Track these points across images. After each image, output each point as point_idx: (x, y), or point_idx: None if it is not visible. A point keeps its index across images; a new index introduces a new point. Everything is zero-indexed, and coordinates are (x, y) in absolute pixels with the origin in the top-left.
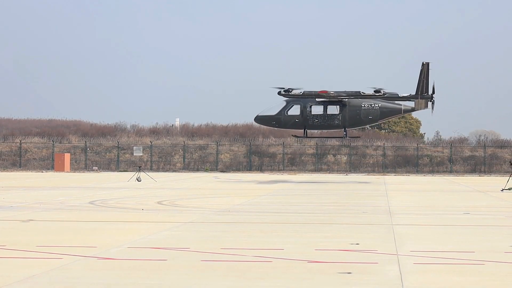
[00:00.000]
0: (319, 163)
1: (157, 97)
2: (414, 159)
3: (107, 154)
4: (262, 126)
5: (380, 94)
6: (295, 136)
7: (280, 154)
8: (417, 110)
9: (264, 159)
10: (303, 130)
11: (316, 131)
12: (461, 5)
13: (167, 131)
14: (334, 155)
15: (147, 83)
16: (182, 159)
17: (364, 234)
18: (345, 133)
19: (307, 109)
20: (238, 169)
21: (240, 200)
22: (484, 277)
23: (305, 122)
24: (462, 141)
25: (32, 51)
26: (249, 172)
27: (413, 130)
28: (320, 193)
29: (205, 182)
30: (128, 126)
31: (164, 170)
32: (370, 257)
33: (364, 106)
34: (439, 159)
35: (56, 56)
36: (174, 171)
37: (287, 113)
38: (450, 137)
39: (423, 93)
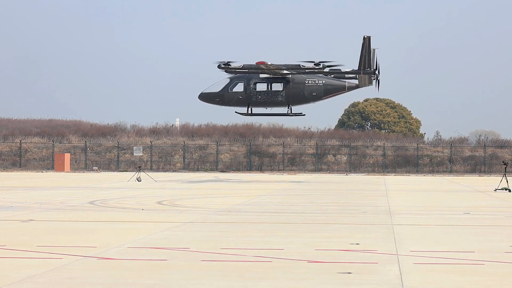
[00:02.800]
0: (319, 163)
1: (157, 97)
2: (414, 159)
3: (107, 154)
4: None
5: (320, 67)
6: (238, 113)
7: (280, 154)
8: (362, 86)
9: (264, 159)
10: (246, 107)
11: (260, 108)
12: (461, 5)
13: (167, 131)
14: (334, 155)
15: (147, 83)
16: (182, 159)
17: (364, 234)
18: (288, 110)
19: (251, 86)
20: (238, 169)
21: (240, 200)
22: (484, 277)
23: (249, 99)
24: (462, 141)
25: (32, 51)
26: (249, 172)
27: (413, 130)
28: (320, 193)
29: (205, 182)
30: (128, 126)
31: (164, 170)
32: (370, 257)
33: (308, 83)
34: (439, 159)
35: (56, 56)
36: (174, 171)
37: (230, 90)
38: (450, 137)
39: (366, 69)
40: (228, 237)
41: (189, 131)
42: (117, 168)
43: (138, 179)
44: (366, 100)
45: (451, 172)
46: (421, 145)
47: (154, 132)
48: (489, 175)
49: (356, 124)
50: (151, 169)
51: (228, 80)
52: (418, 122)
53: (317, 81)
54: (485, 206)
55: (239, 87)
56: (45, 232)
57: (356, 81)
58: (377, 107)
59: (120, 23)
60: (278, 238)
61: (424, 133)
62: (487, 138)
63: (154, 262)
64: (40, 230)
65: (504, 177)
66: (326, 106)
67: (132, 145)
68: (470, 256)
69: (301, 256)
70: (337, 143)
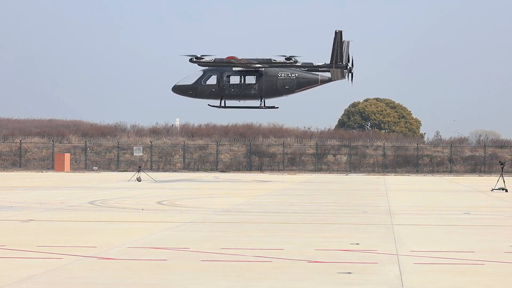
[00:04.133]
0: (319, 163)
1: (157, 97)
2: (414, 159)
3: (107, 154)
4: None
5: (291, 61)
6: (211, 105)
7: (280, 154)
8: (334, 80)
9: (264, 159)
10: (219, 100)
11: (232, 101)
12: (461, 5)
13: (167, 131)
14: (334, 155)
15: (147, 83)
16: (182, 159)
17: (364, 234)
18: (261, 103)
19: (224, 78)
20: (238, 169)
21: (240, 200)
22: (484, 277)
23: (222, 91)
24: (462, 141)
25: (32, 51)
26: (249, 172)
27: (413, 130)
28: (320, 193)
29: (205, 182)
30: (128, 126)
31: (164, 170)
32: (370, 257)
33: (281, 76)
34: (439, 159)
35: (56, 56)
36: (174, 171)
37: (204, 83)
38: (450, 137)
39: (338, 63)
40: (228, 237)
41: (189, 131)
42: (117, 168)
43: (138, 179)
44: (366, 100)
45: (451, 172)
46: (421, 145)
47: (154, 132)
48: (489, 175)
49: (356, 124)
50: (151, 169)
51: (202, 73)
52: (418, 122)
53: (290, 74)
54: (485, 206)
55: (212, 80)
56: (45, 232)
57: (329, 75)
58: (377, 107)
59: (120, 23)
60: (278, 238)
61: (424, 133)
62: (487, 138)
63: (154, 262)
64: (40, 230)
65: (501, 177)
66: (326, 106)
67: (132, 145)
68: (470, 256)
69: (301, 256)
70: (337, 143)
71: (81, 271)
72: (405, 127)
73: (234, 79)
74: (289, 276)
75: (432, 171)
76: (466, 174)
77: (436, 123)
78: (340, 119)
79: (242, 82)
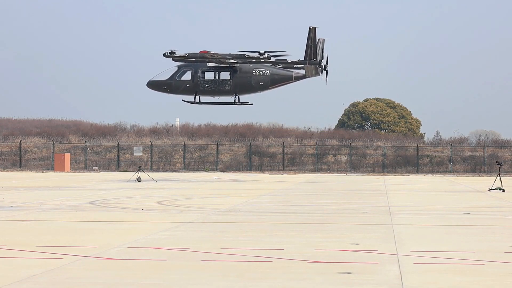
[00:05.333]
0: (319, 163)
1: (157, 97)
2: (414, 159)
3: (107, 154)
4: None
5: (265, 57)
6: (186, 101)
7: (280, 154)
8: (308, 77)
9: (264, 159)
10: (193, 96)
11: (207, 97)
12: (461, 5)
13: (167, 131)
14: (334, 155)
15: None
16: (182, 159)
17: (364, 234)
18: (235, 99)
19: (198, 74)
20: (238, 169)
21: (240, 200)
22: (484, 277)
23: (196, 87)
24: (462, 141)
25: (32, 51)
26: (249, 172)
27: (413, 130)
28: (320, 193)
29: (205, 182)
30: (128, 126)
31: (164, 170)
32: (370, 257)
33: (255, 72)
34: (439, 159)
35: (56, 56)
36: (174, 171)
37: (178, 79)
38: (450, 137)
39: (312, 59)
40: (228, 237)
41: (189, 131)
42: (117, 168)
43: (138, 179)
44: (366, 100)
45: (451, 172)
46: (421, 145)
47: (154, 132)
48: (489, 175)
49: (356, 124)
50: (151, 169)
51: (176, 69)
52: (418, 122)
53: (264, 71)
54: (485, 206)
55: (187, 76)
56: (45, 232)
57: (303, 71)
58: (377, 107)
59: (121, 22)
60: (278, 238)
61: (424, 133)
62: (487, 138)
63: (154, 262)
64: (40, 230)
65: (498, 177)
66: (326, 106)
67: (132, 145)
68: (470, 256)
69: (301, 256)
70: (337, 143)
71: (81, 271)
72: (405, 127)
73: (209, 75)
74: (289, 276)
75: (432, 171)
76: (466, 174)
77: (436, 123)
78: (340, 119)
79: (217, 78)
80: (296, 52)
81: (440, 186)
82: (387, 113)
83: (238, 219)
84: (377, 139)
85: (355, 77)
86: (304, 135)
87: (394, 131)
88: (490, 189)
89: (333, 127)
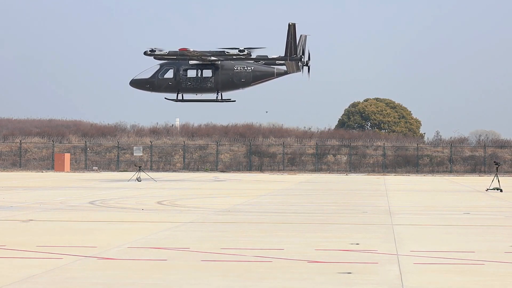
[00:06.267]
0: (319, 163)
1: (157, 97)
2: (414, 159)
3: (107, 154)
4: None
5: (245, 54)
6: (168, 99)
7: (280, 154)
8: (290, 73)
9: (264, 159)
10: (176, 94)
11: (189, 94)
12: (461, 6)
13: (167, 131)
14: (334, 155)
15: None
16: (182, 159)
17: (364, 234)
18: (217, 96)
19: (180, 72)
20: (238, 169)
21: (240, 200)
22: (484, 277)
23: (178, 85)
24: (462, 141)
25: (33, 51)
26: (249, 172)
27: (413, 130)
28: (320, 193)
29: (205, 182)
30: (128, 126)
31: (164, 170)
32: (370, 257)
33: (237, 69)
34: (439, 159)
35: (56, 56)
36: (174, 171)
37: (161, 77)
38: (450, 137)
39: (292, 55)
40: (228, 237)
41: (189, 131)
42: (117, 168)
43: (138, 179)
44: (366, 100)
45: (451, 172)
46: (421, 145)
47: (154, 132)
48: (489, 175)
49: (356, 124)
50: (151, 169)
51: (159, 67)
52: (418, 122)
53: (245, 68)
54: (485, 206)
55: (169, 74)
56: (45, 232)
57: (284, 68)
58: (377, 107)
59: (121, 22)
60: (278, 238)
61: (424, 133)
62: (487, 138)
63: (154, 262)
64: (40, 230)
65: (495, 177)
66: (326, 106)
67: (132, 145)
68: (470, 256)
69: (301, 256)
70: (337, 143)
71: (81, 271)
72: (405, 127)
73: (191, 73)
74: (289, 276)
75: (432, 171)
76: (466, 174)
77: (436, 123)
78: (340, 119)
79: (199, 75)
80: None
81: (440, 186)
82: (387, 113)
83: (238, 219)
84: (377, 139)
85: (355, 77)
86: (304, 135)
87: (394, 131)
88: (487, 189)
89: (333, 127)
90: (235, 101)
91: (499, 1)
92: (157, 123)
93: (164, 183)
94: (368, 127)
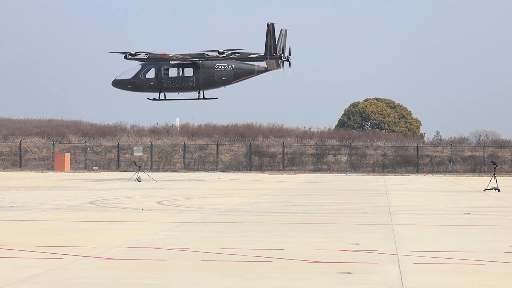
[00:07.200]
0: (319, 163)
1: None
2: (414, 159)
3: (107, 154)
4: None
5: (224, 55)
6: (150, 99)
7: (280, 154)
8: (270, 70)
9: (264, 159)
10: (158, 93)
11: (171, 93)
12: (461, 6)
13: (167, 131)
14: (334, 155)
15: None
16: (182, 159)
17: (364, 234)
18: (199, 95)
19: (162, 72)
20: (238, 169)
21: (240, 200)
22: (484, 277)
23: (160, 85)
24: (462, 141)
25: (32, 51)
26: (249, 172)
27: (413, 130)
28: (320, 193)
29: (205, 182)
30: (128, 126)
31: (164, 170)
32: (370, 257)
33: (218, 67)
34: (439, 159)
35: (56, 56)
36: (174, 171)
37: (142, 77)
38: (450, 137)
39: (272, 54)
40: (228, 237)
41: (189, 131)
42: (117, 168)
43: (138, 179)
44: (366, 100)
45: (451, 172)
46: (421, 145)
47: (154, 132)
48: (489, 175)
49: (356, 124)
50: (151, 169)
51: (140, 67)
52: (418, 122)
53: (226, 66)
54: (485, 206)
55: (151, 74)
56: (45, 232)
57: (265, 65)
58: (377, 107)
59: (120, 22)
60: (278, 238)
61: (424, 133)
62: (487, 138)
63: (154, 262)
64: (40, 230)
65: (493, 177)
66: (326, 106)
67: (132, 145)
68: (470, 256)
69: (301, 256)
70: (337, 143)
71: (81, 271)
72: (405, 127)
73: (173, 72)
74: (289, 276)
75: (432, 171)
76: (466, 174)
77: (436, 123)
78: (340, 119)
79: (180, 74)
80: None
81: (440, 186)
82: (387, 113)
83: (238, 219)
84: (377, 139)
85: (355, 77)
86: (304, 135)
87: (394, 131)
88: (485, 189)
89: (333, 127)
90: (217, 98)
91: (499, 1)
92: (157, 123)
93: (164, 183)
94: (368, 127)
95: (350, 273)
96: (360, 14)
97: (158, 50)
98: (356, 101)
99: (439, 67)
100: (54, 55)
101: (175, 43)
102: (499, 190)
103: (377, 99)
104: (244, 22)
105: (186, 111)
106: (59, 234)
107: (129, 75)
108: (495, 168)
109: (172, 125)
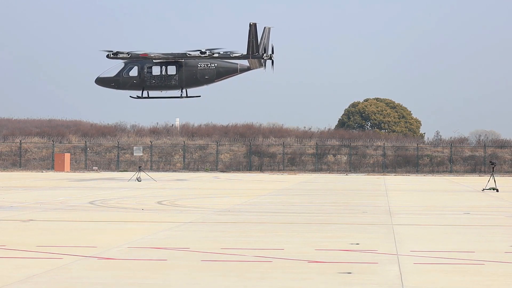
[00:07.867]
0: (319, 163)
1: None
2: (414, 159)
3: (107, 154)
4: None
5: (206, 55)
6: (133, 97)
7: (280, 154)
8: (253, 69)
9: (264, 159)
10: (141, 91)
11: (154, 92)
12: (461, 6)
13: (167, 131)
14: (334, 155)
15: None
16: (182, 159)
17: (364, 234)
18: (182, 93)
19: (145, 70)
20: (238, 169)
21: (240, 200)
22: (484, 277)
23: (143, 83)
24: (462, 141)
25: (32, 51)
26: (249, 172)
27: (413, 130)
28: (320, 193)
29: (205, 182)
30: (128, 126)
31: (164, 170)
32: (370, 257)
33: (200, 66)
34: (439, 159)
35: (56, 56)
36: (174, 171)
37: (125, 75)
38: (450, 137)
39: (254, 53)
40: (228, 237)
41: (189, 131)
42: (117, 168)
43: (138, 179)
44: (366, 100)
45: (451, 172)
46: (421, 145)
47: (154, 132)
48: (489, 175)
49: (356, 124)
50: (151, 169)
51: (123, 65)
52: (418, 122)
53: (209, 64)
54: (485, 206)
55: (134, 72)
56: (45, 232)
57: (247, 63)
58: (377, 107)
59: (120, 22)
60: (278, 238)
61: (424, 133)
62: (487, 138)
63: (154, 262)
64: (40, 230)
65: (491, 177)
66: (326, 106)
67: (132, 145)
68: (470, 256)
69: (301, 256)
70: (337, 143)
71: (81, 271)
72: (405, 127)
73: (155, 70)
74: (289, 276)
75: (432, 171)
76: (466, 174)
77: (436, 123)
78: (340, 119)
79: (163, 73)
80: (297, 53)
81: (440, 186)
82: (387, 113)
83: (238, 219)
84: (377, 139)
85: (355, 77)
86: (304, 135)
87: (394, 131)
88: (484, 189)
89: (333, 127)
90: (200, 96)
91: (499, 1)
92: (157, 123)
93: (164, 183)
94: (368, 127)
95: (350, 273)
96: (360, 14)
97: (158, 50)
98: (356, 101)
99: (439, 67)
100: (54, 55)
101: (175, 43)
102: (497, 190)
103: (377, 99)
104: (244, 22)
105: (186, 111)
106: (59, 234)
107: (112, 73)
108: (493, 168)
109: (172, 125)
